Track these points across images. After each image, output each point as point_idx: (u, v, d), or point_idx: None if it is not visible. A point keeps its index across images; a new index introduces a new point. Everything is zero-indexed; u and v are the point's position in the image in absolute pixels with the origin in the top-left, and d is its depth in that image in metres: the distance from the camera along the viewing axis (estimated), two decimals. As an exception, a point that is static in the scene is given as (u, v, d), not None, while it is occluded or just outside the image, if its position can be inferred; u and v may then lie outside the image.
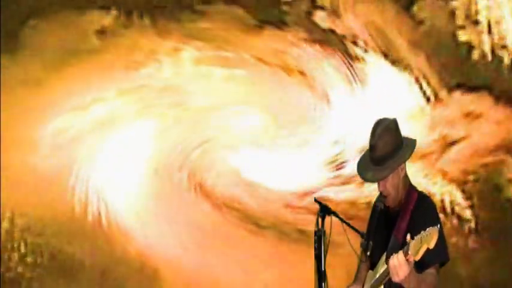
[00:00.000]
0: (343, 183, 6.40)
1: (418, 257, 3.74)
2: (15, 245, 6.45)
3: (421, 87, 6.38)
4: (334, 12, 6.35)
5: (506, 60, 6.33)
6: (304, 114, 6.47)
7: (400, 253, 3.81)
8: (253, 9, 6.37)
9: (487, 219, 6.22)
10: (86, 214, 6.46)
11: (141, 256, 6.44)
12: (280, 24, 6.41)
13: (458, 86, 6.37)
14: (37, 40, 6.39)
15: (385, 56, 6.38)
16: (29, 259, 6.45)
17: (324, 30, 6.40)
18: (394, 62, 6.39)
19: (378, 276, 4.14)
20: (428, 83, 6.37)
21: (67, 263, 6.46)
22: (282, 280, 6.25)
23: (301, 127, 6.48)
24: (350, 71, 6.42)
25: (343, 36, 6.39)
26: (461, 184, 6.26)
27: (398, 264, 3.80)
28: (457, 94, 6.38)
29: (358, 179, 4.34)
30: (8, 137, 6.42)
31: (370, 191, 6.15)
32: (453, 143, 6.39)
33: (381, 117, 4.24)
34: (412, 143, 4.21)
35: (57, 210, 6.45)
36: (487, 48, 6.35)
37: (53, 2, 6.36)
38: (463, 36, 6.33)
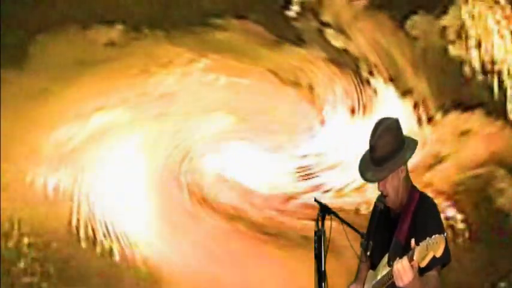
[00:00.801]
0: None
1: (424, 264, 3.73)
2: (19, 257, 6.44)
3: (418, 112, 6.42)
4: (341, 30, 6.40)
5: (496, 76, 6.40)
6: (295, 126, 6.49)
7: (405, 259, 3.80)
8: (267, 25, 6.43)
9: (480, 228, 6.25)
10: (93, 229, 6.47)
11: (146, 266, 6.43)
12: (298, 41, 6.45)
13: (453, 107, 6.41)
14: (44, 54, 6.42)
15: (391, 79, 6.43)
16: (33, 271, 6.42)
17: (338, 50, 6.45)
18: (399, 87, 6.43)
19: (379, 278, 4.14)
20: (426, 107, 6.41)
21: (71, 275, 6.45)
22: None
23: (287, 137, 6.51)
24: (357, 95, 6.46)
25: (356, 58, 6.44)
26: (452, 195, 6.29)
27: (403, 270, 3.79)
28: (452, 115, 6.42)
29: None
30: (12, 148, 6.43)
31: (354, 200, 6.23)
32: (443, 159, 6.42)
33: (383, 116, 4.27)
34: (413, 143, 4.19)
35: (61, 222, 6.45)
36: (477, 64, 6.41)
37: (58, 18, 6.40)
38: (454, 52, 6.39)
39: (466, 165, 6.33)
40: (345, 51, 6.43)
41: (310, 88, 6.47)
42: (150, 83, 6.46)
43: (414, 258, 3.74)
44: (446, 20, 6.40)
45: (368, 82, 6.44)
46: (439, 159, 6.42)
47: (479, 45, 6.43)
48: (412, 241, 3.78)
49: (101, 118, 6.46)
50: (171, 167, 6.48)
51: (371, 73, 6.44)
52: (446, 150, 6.43)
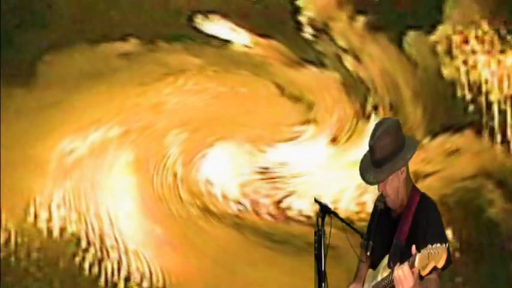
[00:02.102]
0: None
1: (424, 273, 3.70)
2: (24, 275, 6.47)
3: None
4: (354, 55, 6.46)
5: (484, 95, 6.46)
6: (275, 134, 6.56)
7: (406, 265, 3.79)
8: (290, 44, 6.49)
9: (470, 239, 6.27)
10: (100, 241, 6.52)
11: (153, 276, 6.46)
12: (318, 63, 6.49)
13: (443, 130, 6.45)
14: (52, 72, 6.49)
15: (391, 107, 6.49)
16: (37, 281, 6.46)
17: (353, 76, 6.48)
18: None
19: (379, 279, 4.14)
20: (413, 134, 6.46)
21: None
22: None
23: (263, 143, 6.57)
24: (350, 125, 6.50)
25: (367, 89, 6.48)
26: (441, 207, 6.29)
27: (404, 276, 3.78)
28: (440, 138, 6.45)
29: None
30: (15, 163, 6.47)
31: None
32: (429, 174, 6.45)
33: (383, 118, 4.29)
34: (413, 144, 4.19)
35: (66, 239, 6.50)
36: (465, 84, 6.47)
37: (67, 37, 6.49)
38: (445, 72, 6.45)
39: (454, 178, 6.36)
40: (359, 78, 6.48)
41: (310, 106, 6.51)
42: (150, 96, 6.52)
43: (415, 265, 3.72)
44: (435, 36, 6.46)
45: (368, 117, 6.48)
46: (424, 175, 6.44)
47: (466, 65, 6.49)
48: (413, 248, 3.76)
49: (104, 131, 6.50)
50: (168, 179, 6.52)
51: (375, 108, 6.48)
52: (432, 168, 6.44)
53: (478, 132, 6.43)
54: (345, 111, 6.50)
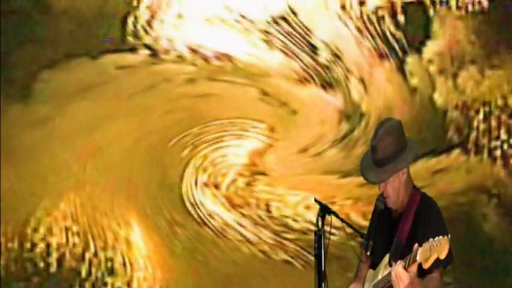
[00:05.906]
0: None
1: (427, 266, 3.72)
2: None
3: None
4: (363, 84, 6.46)
5: (473, 113, 6.48)
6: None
7: (400, 265, 3.82)
8: (307, 68, 6.48)
9: (463, 253, 6.25)
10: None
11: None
12: (328, 90, 6.48)
13: (426, 154, 6.45)
14: (50, 88, 6.53)
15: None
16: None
17: (354, 104, 6.47)
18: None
19: (380, 278, 4.13)
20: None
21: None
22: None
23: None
24: (317, 149, 6.49)
25: (359, 122, 6.47)
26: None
27: (399, 277, 3.83)
28: (423, 160, 6.45)
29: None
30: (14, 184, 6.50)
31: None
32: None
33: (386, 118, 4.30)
34: (415, 146, 4.22)
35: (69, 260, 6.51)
36: (454, 102, 6.49)
37: (65, 54, 6.53)
38: (436, 95, 6.47)
39: (445, 193, 6.36)
40: (360, 110, 6.44)
41: (292, 113, 6.49)
42: (142, 106, 6.53)
43: (417, 259, 3.74)
44: (425, 56, 6.49)
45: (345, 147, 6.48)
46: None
47: (454, 84, 6.52)
48: (416, 245, 3.78)
49: (101, 145, 6.53)
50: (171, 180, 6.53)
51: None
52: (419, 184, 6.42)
53: (467, 152, 6.43)
54: (323, 134, 6.48)
